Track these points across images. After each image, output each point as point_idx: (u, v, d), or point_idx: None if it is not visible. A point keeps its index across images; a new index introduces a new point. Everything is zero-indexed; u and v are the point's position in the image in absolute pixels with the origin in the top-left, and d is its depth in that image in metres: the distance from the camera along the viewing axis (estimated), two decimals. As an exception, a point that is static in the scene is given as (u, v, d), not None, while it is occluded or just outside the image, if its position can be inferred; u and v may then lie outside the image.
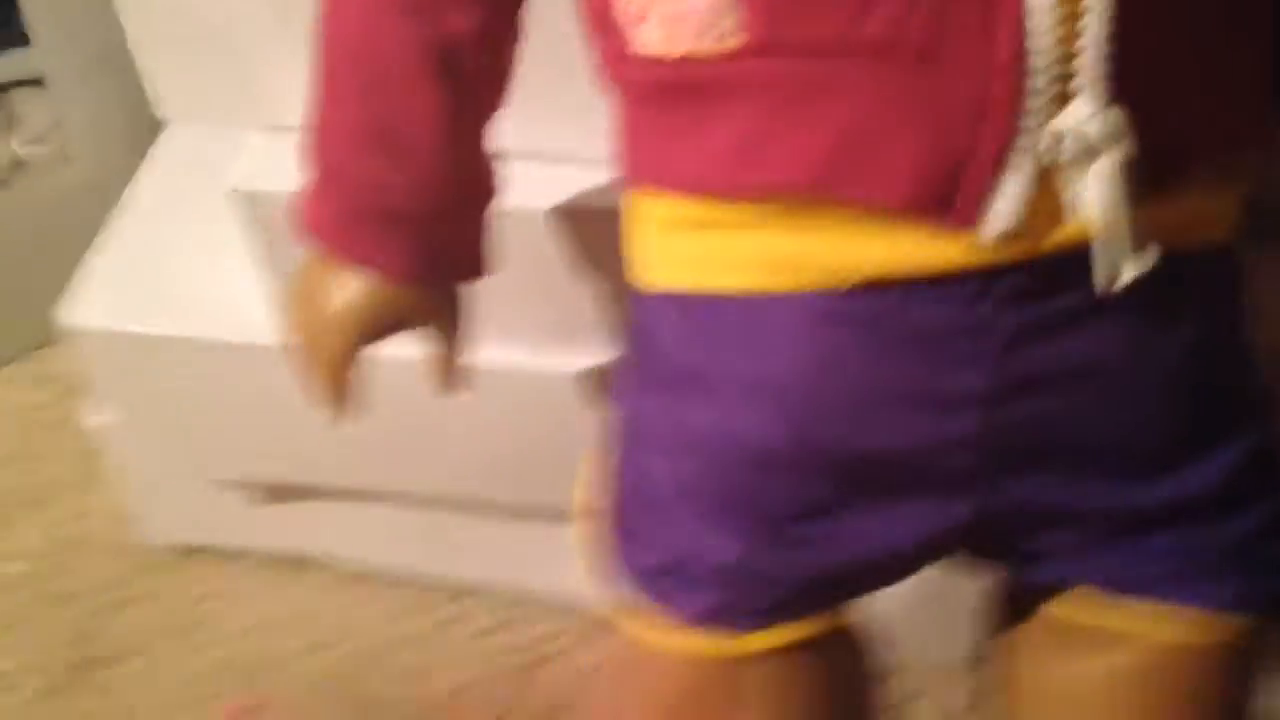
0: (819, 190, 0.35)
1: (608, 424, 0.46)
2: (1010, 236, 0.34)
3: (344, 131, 0.45)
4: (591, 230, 0.60)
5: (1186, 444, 0.39)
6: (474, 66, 0.43)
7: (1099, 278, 0.35)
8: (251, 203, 0.61)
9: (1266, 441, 0.41)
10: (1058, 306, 0.36)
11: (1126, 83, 0.32)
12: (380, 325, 0.47)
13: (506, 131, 0.48)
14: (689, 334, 0.41)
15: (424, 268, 0.46)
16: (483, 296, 0.51)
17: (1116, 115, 0.32)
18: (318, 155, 0.46)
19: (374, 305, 0.46)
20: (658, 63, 0.37)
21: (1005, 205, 0.34)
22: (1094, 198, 0.33)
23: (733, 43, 0.35)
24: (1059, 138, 0.33)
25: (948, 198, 0.34)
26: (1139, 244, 0.34)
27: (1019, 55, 0.32)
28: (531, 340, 0.65)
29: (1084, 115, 0.32)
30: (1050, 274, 0.35)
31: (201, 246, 0.70)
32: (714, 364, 0.40)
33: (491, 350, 0.61)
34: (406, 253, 0.45)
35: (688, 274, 0.40)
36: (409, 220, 0.45)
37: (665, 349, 0.42)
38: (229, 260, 0.67)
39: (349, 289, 0.46)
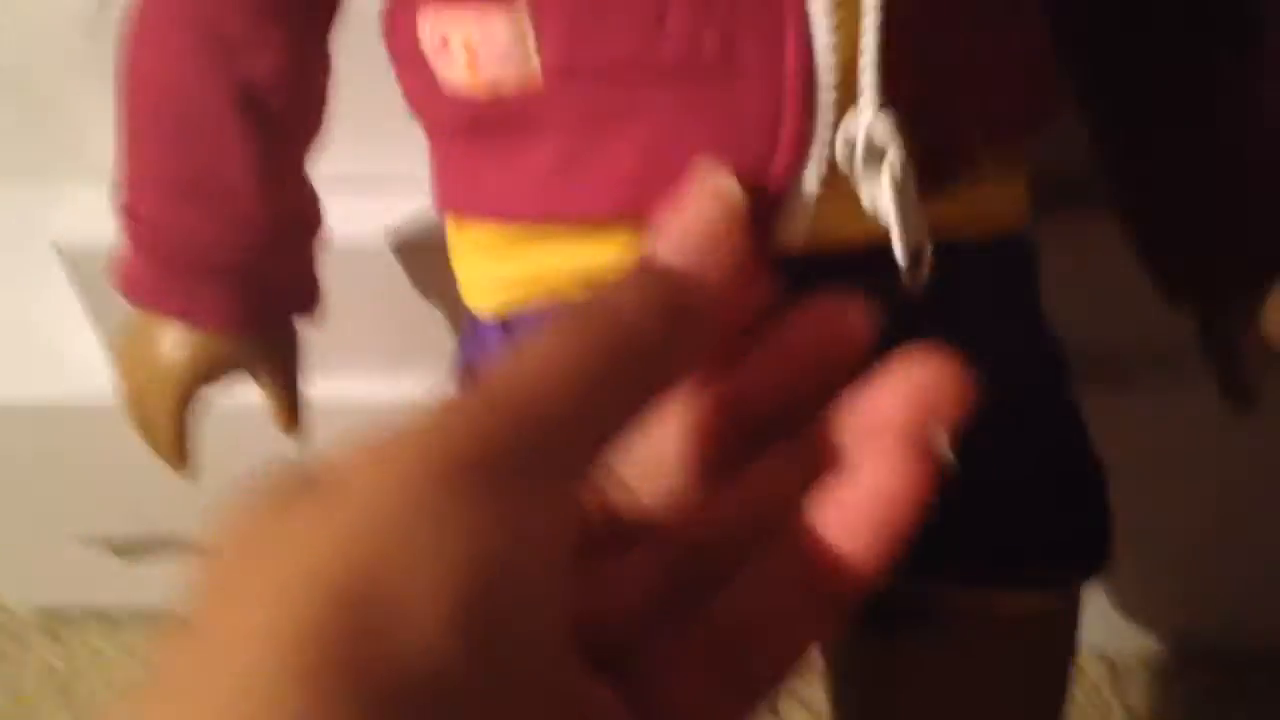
0: (629, 211, 0.35)
1: None
2: (810, 241, 0.35)
3: (152, 183, 0.44)
4: (427, 252, 0.59)
5: (989, 427, 0.38)
6: (281, 104, 0.43)
7: (901, 275, 0.35)
8: (77, 257, 0.60)
9: (1070, 414, 0.42)
10: None
11: (900, 86, 0.33)
12: (209, 376, 0.46)
13: (332, 160, 0.47)
14: None
15: (245, 315, 0.45)
16: (325, 328, 0.50)
17: (890, 117, 0.33)
18: (127, 210, 0.45)
19: (198, 357, 0.45)
20: (465, 94, 0.37)
21: (803, 210, 0.34)
22: (881, 197, 0.34)
23: (534, 68, 0.35)
24: (849, 142, 0.34)
25: (751, 207, 0.32)
26: (929, 239, 0.34)
27: (806, 66, 0.33)
28: (382, 367, 0.64)
29: (866, 119, 0.33)
30: (847, 274, 0.34)
31: (30, 305, 0.67)
32: None
33: (341, 381, 0.61)
34: (225, 301, 0.45)
35: (509, 293, 0.40)
36: (225, 268, 0.44)
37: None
38: (60, 319, 0.64)
39: (171, 342, 0.45)
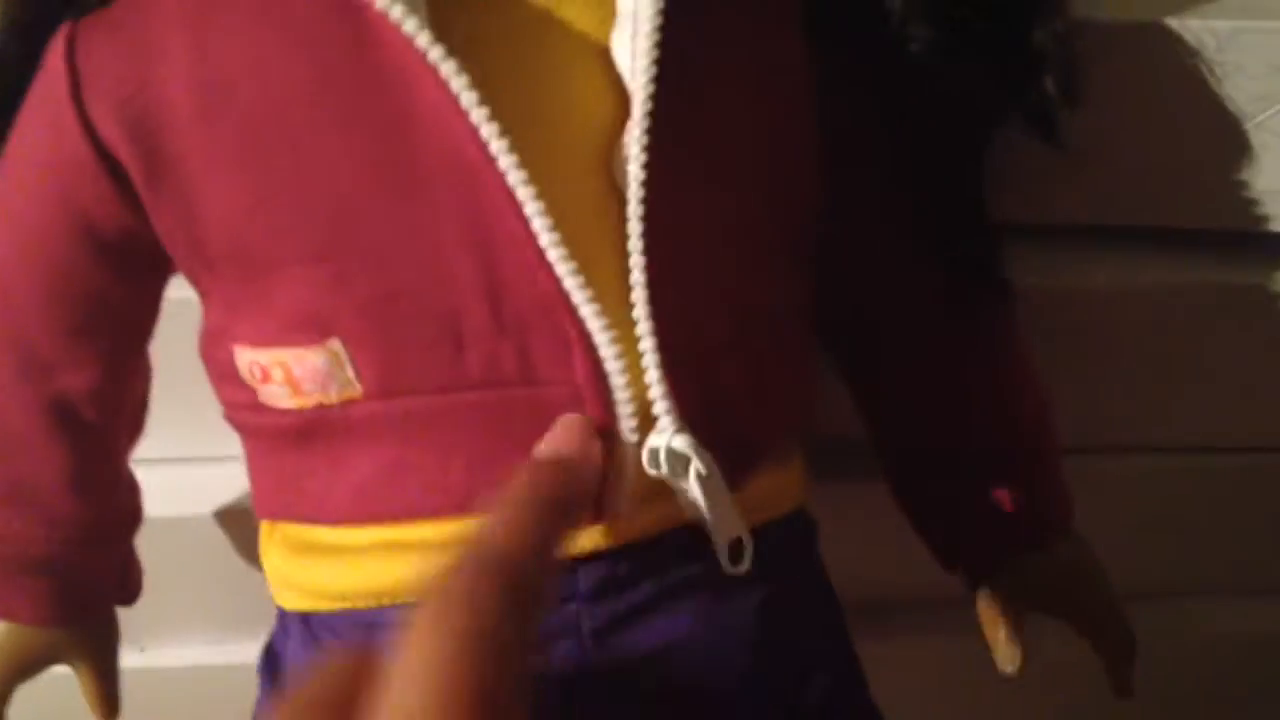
0: (459, 511, 0.38)
1: None
2: (632, 531, 0.38)
3: None
4: (251, 524, 0.59)
5: (774, 694, 0.42)
6: (97, 416, 0.44)
7: (723, 563, 0.39)
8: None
9: (854, 680, 0.45)
10: (636, 598, 0.39)
11: (693, 406, 0.37)
12: (25, 669, 0.47)
13: (152, 444, 0.49)
14: (312, 653, 0.42)
15: (62, 610, 0.46)
16: (154, 600, 0.51)
17: (689, 436, 0.37)
18: None
19: (15, 652, 0.47)
20: (288, 413, 0.39)
21: (625, 498, 0.38)
22: (699, 498, 0.37)
23: (354, 393, 0.38)
24: (654, 453, 0.37)
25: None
26: (745, 528, 0.39)
27: (599, 378, 0.36)
28: (213, 635, 0.64)
29: (667, 436, 0.37)
30: (633, 566, 0.39)
31: None
32: None
33: (173, 649, 0.63)
34: (42, 597, 0.46)
35: (311, 601, 0.42)
36: (41, 565, 0.45)
37: (289, 668, 0.43)
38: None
39: None
